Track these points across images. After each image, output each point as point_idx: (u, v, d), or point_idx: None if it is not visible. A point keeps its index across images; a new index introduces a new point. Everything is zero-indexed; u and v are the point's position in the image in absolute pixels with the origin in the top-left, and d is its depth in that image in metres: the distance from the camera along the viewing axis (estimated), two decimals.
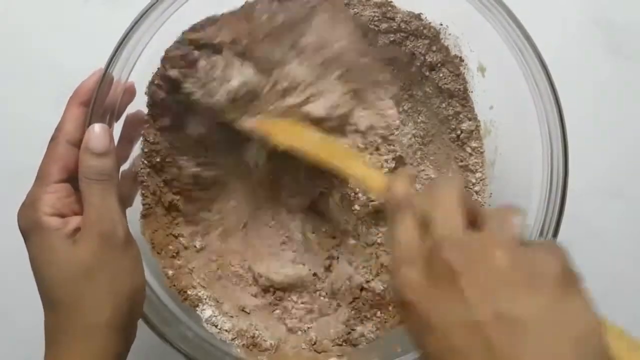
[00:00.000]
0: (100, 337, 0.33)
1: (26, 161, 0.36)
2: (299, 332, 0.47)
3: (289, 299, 0.48)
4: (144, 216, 0.44)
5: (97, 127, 0.35)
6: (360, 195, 0.47)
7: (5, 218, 0.35)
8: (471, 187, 0.48)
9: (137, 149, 0.43)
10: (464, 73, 0.46)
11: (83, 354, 0.33)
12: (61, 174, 0.34)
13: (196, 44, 0.39)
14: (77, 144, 0.35)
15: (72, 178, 0.35)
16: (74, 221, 0.34)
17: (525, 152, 0.41)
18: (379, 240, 0.48)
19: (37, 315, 0.34)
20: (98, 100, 0.36)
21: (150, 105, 0.42)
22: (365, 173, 0.37)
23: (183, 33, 0.39)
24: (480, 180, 0.48)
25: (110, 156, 0.35)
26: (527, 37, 0.38)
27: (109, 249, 0.34)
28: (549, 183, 0.39)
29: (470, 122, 0.48)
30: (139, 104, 0.41)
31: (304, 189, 0.48)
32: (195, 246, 0.47)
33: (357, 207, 0.47)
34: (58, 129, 0.35)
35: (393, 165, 0.46)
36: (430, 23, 0.45)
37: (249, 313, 0.47)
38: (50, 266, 0.33)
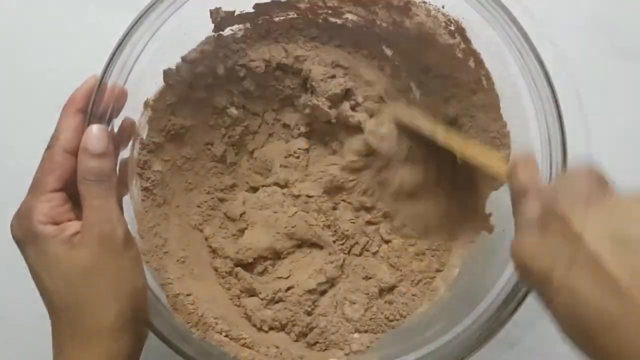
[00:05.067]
0: (105, 340, 0.33)
1: (26, 164, 0.36)
2: None
3: None
4: None
5: (95, 128, 0.35)
6: None
7: (5, 220, 0.35)
8: None
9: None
10: None
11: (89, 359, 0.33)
12: (57, 183, 0.34)
13: None
14: (74, 152, 0.34)
15: (68, 187, 0.34)
16: (71, 227, 0.34)
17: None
18: None
19: (36, 317, 0.34)
20: (96, 103, 0.36)
21: None
22: (487, 159, 0.39)
23: None
24: None
25: (109, 157, 0.35)
26: (526, 38, 0.38)
27: (109, 250, 0.34)
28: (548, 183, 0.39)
29: None
30: (128, 111, 0.40)
31: None
32: None
33: None
34: (54, 138, 0.35)
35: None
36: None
37: None
38: (51, 273, 0.33)
